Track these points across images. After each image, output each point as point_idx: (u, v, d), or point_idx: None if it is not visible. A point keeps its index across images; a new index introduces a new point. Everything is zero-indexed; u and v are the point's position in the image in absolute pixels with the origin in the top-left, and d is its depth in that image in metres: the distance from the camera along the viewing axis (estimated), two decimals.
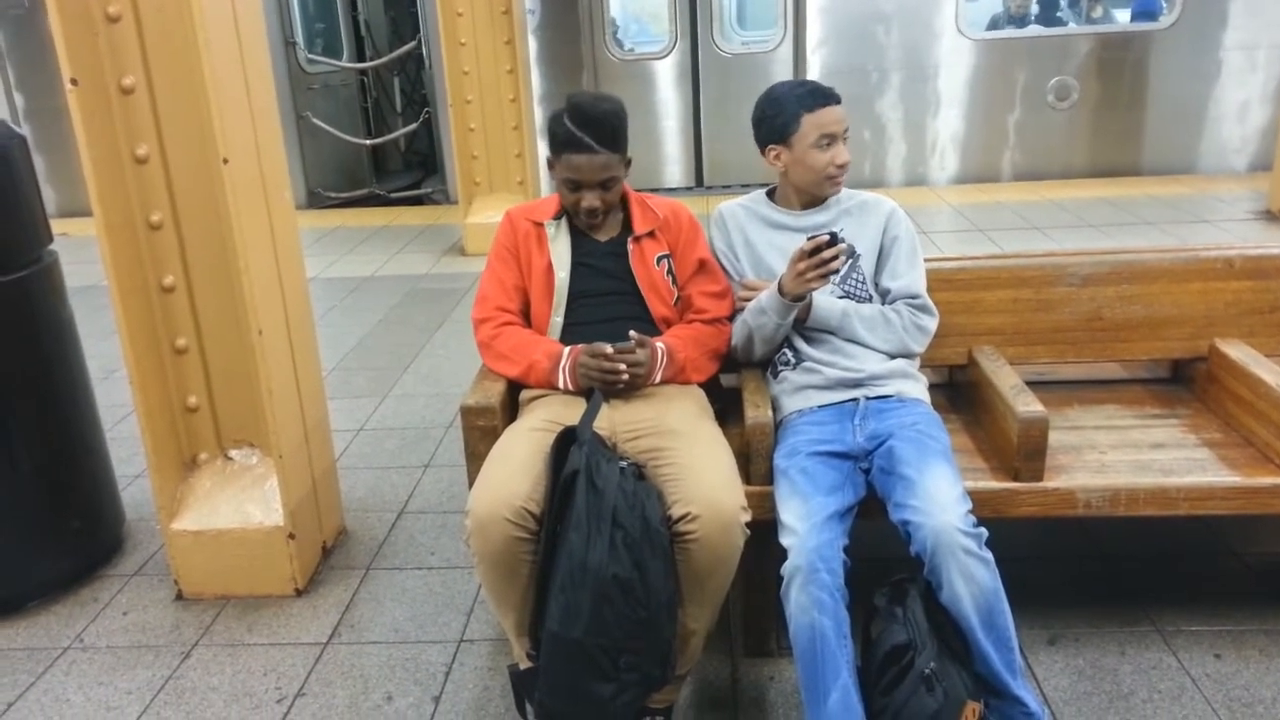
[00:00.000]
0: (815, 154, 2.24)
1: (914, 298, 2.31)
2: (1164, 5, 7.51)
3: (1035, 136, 7.72)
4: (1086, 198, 7.01)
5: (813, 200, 2.34)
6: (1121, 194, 7.04)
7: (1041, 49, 7.59)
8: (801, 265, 2.12)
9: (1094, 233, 6.10)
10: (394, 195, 8.95)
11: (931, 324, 2.32)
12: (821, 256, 2.09)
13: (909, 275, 2.31)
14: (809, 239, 2.12)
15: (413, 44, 8.92)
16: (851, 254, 2.27)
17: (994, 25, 7.94)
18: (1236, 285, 2.53)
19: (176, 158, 2.46)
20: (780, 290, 2.17)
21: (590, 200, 2.23)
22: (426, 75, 8.94)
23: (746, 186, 7.54)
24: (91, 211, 2.38)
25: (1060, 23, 8.06)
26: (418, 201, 8.82)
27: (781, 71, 7.75)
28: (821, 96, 2.24)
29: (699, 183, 8.28)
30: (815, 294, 2.24)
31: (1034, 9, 7.99)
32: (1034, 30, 7.84)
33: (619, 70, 8.03)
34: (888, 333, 2.28)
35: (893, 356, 2.27)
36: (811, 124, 2.23)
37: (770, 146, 2.30)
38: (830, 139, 2.24)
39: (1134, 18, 7.81)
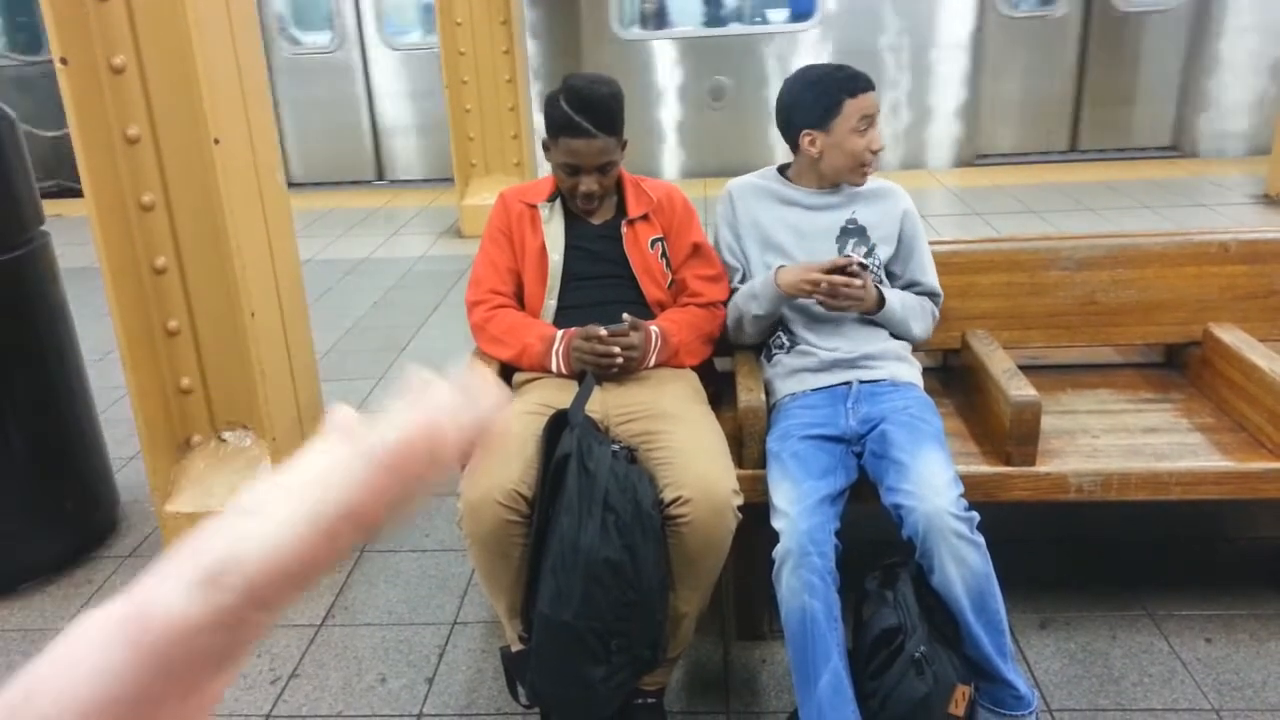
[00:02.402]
0: (854, 139, 2.23)
1: (937, 295, 2.36)
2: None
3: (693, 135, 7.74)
4: None
5: (835, 184, 2.32)
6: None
7: (698, 49, 7.56)
8: (815, 277, 2.12)
9: None
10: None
11: (939, 315, 2.39)
12: (833, 281, 2.11)
13: (932, 272, 2.36)
14: (843, 257, 2.13)
15: None
16: (863, 268, 2.25)
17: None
18: (1231, 269, 2.52)
19: (168, 138, 2.45)
20: (776, 281, 2.18)
21: (588, 184, 2.22)
22: None
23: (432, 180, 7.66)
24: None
25: (722, 23, 7.94)
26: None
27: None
28: (864, 81, 2.23)
29: (379, 176, 8.27)
30: (886, 291, 2.24)
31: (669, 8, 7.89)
32: (690, 30, 7.75)
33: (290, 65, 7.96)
34: (923, 323, 2.34)
35: (897, 338, 2.29)
36: (854, 108, 2.21)
37: (806, 131, 2.27)
38: (869, 122, 2.23)
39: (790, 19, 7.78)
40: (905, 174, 7.18)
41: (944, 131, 7.60)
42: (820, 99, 2.24)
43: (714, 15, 7.77)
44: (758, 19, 7.73)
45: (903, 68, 7.45)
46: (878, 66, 7.32)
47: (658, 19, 7.83)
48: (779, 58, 7.49)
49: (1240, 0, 7.09)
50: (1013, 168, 7.30)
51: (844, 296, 2.14)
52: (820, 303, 2.17)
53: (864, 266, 2.16)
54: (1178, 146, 7.42)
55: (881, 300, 2.21)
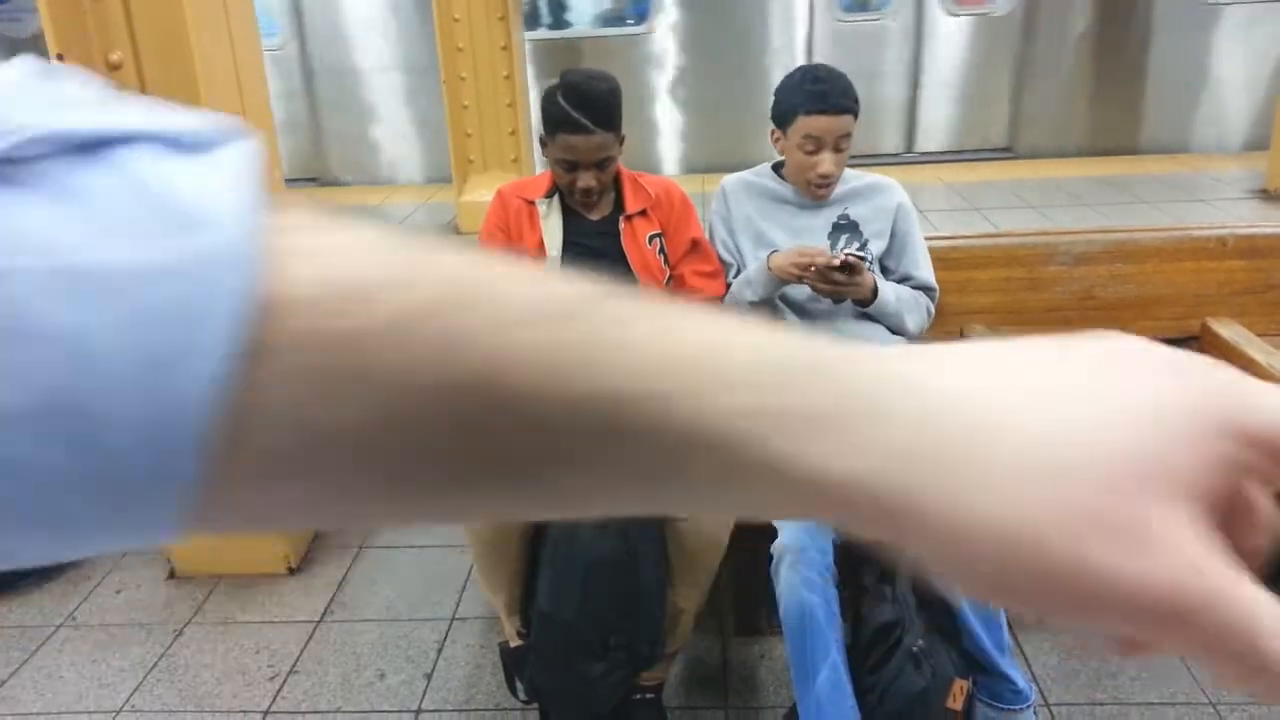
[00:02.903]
0: (799, 154, 2.20)
1: (932, 289, 2.34)
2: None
3: None
4: None
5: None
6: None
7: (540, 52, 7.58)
8: (805, 260, 2.11)
9: None
10: None
11: (934, 311, 2.38)
12: (819, 264, 2.08)
13: (927, 266, 2.34)
14: (842, 253, 2.11)
15: None
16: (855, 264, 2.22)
17: None
18: (1229, 264, 2.53)
19: None
20: (769, 265, 2.18)
21: (586, 180, 2.21)
22: None
23: None
24: None
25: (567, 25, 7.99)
26: None
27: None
28: (827, 102, 2.14)
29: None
30: (881, 282, 2.22)
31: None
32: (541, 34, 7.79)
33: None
34: (918, 315, 2.31)
35: (892, 334, 2.28)
36: (804, 125, 2.16)
37: (773, 128, 2.27)
38: (817, 144, 2.17)
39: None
40: None
41: None
42: (783, 101, 2.22)
43: (558, 18, 7.83)
44: (607, 22, 7.80)
45: (735, 73, 7.53)
46: (712, 73, 7.49)
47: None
48: (609, 61, 7.54)
49: (1070, 4, 7.25)
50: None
51: (836, 282, 2.12)
52: (813, 287, 2.15)
53: (860, 258, 2.14)
54: (1012, 149, 7.56)
55: (876, 290, 2.21)
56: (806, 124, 2.15)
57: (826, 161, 2.17)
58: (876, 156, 7.32)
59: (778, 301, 2.29)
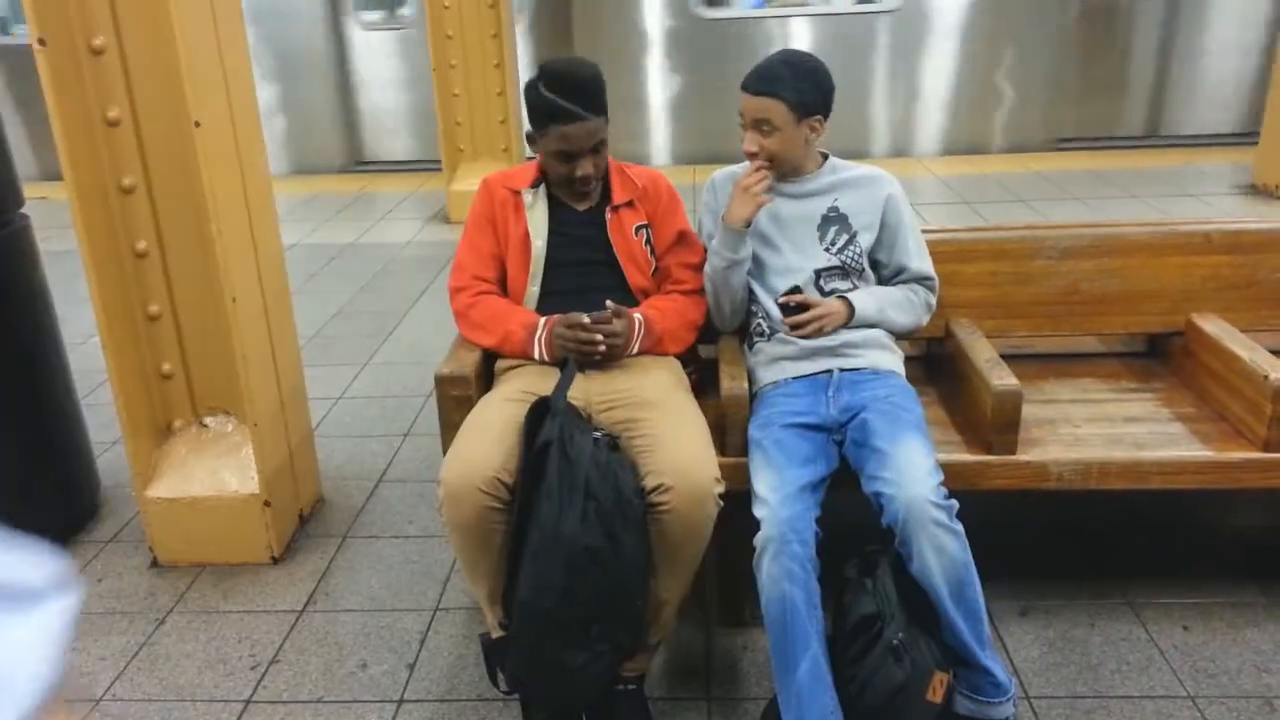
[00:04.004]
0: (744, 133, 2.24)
1: (928, 278, 2.34)
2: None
3: None
4: None
5: (794, 169, 2.31)
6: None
7: None
8: (745, 182, 2.17)
9: None
10: None
11: (935, 301, 2.38)
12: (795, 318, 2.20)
13: (920, 256, 2.33)
14: (788, 297, 2.22)
15: None
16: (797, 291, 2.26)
17: None
18: (1214, 260, 2.53)
19: (148, 121, 2.43)
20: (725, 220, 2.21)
21: (585, 168, 2.20)
22: None
23: None
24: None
25: None
26: None
27: None
28: (752, 79, 2.19)
29: None
30: (852, 295, 2.24)
31: None
32: None
33: None
34: (910, 313, 2.32)
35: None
36: (742, 104, 2.22)
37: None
38: (744, 121, 2.22)
39: None
40: None
41: None
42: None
43: None
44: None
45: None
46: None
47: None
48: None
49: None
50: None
51: (800, 324, 2.19)
52: (788, 335, 2.22)
53: (798, 290, 2.23)
54: None
55: (852, 309, 2.21)
56: (743, 104, 2.22)
57: (749, 139, 2.22)
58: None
59: (763, 325, 2.29)
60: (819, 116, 2.20)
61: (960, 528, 1.84)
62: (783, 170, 2.26)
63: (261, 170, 2.64)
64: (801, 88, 2.16)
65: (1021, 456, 2.15)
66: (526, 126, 2.25)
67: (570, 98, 2.12)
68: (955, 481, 1.97)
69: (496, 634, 1.98)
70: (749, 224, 2.19)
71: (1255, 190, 6.13)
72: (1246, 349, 2.26)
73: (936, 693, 1.79)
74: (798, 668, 1.81)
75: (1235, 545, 2.63)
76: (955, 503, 1.86)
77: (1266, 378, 2.11)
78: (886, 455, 1.92)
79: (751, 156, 2.22)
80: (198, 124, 2.35)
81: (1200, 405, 2.37)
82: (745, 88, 2.20)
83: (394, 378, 3.95)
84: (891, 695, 1.78)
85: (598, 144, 2.19)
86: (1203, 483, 2.15)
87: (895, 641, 1.79)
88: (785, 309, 2.19)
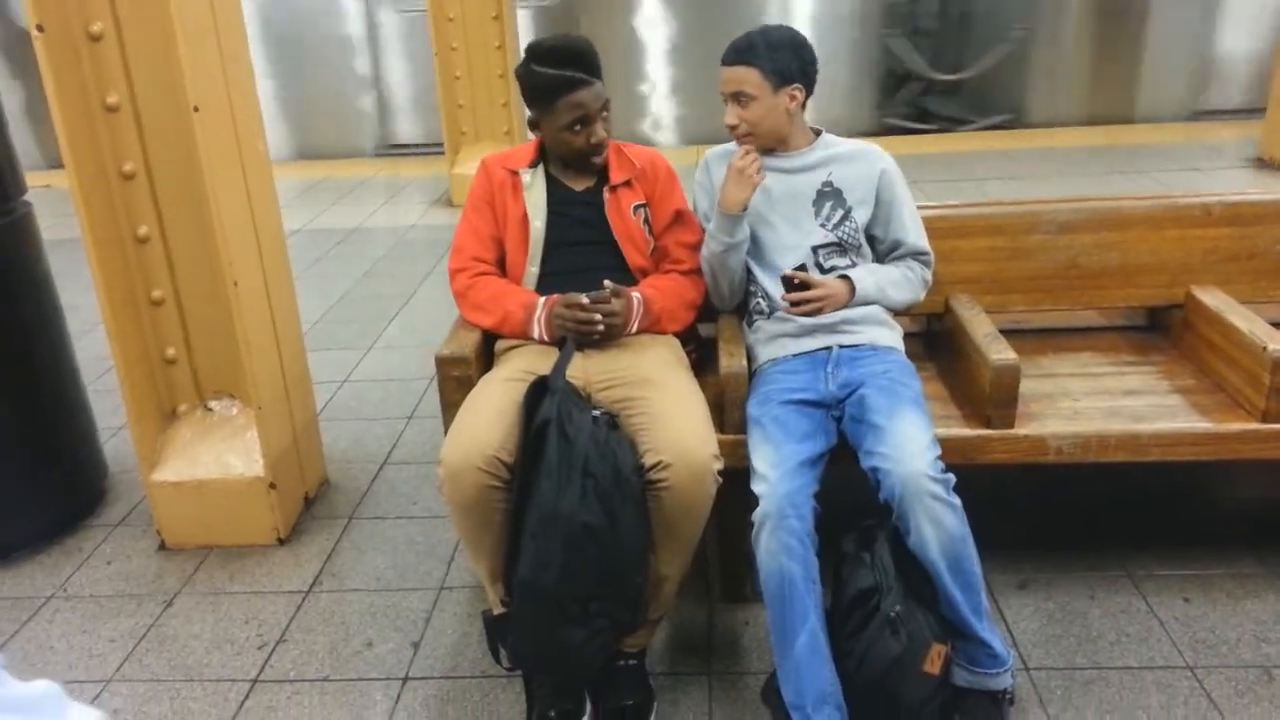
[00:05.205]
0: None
1: (924, 253, 2.34)
2: None
3: None
4: None
5: (783, 143, 2.30)
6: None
7: None
8: (739, 164, 2.16)
9: None
10: None
11: (932, 276, 2.37)
12: (799, 294, 2.18)
13: (916, 231, 2.33)
14: (794, 274, 2.20)
15: None
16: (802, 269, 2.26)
17: None
18: (1214, 232, 2.52)
19: (147, 106, 2.44)
20: (721, 206, 2.21)
21: (599, 132, 2.23)
22: None
23: None
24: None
25: None
26: None
27: None
28: (729, 52, 2.21)
29: None
30: (852, 274, 2.23)
31: None
32: None
33: None
34: (909, 289, 2.32)
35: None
36: (720, 79, 2.23)
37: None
38: (724, 98, 2.23)
39: None
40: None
41: None
42: None
43: None
44: None
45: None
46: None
47: None
48: None
49: None
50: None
51: (801, 302, 2.18)
52: (788, 313, 2.21)
53: (800, 269, 2.22)
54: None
55: (853, 289, 2.22)
56: (721, 76, 2.23)
57: (730, 112, 2.23)
58: None
59: (762, 304, 2.30)
60: (797, 85, 2.20)
61: (958, 501, 1.85)
62: (768, 144, 2.26)
63: (261, 154, 2.65)
64: (776, 56, 2.16)
65: (1020, 430, 2.16)
66: (528, 113, 2.25)
67: (572, 67, 2.14)
68: (954, 456, 1.98)
69: (498, 611, 2.00)
70: (745, 208, 2.19)
71: (1262, 164, 6.10)
72: (1246, 321, 2.26)
73: (934, 664, 1.81)
74: (796, 641, 1.82)
75: (1235, 517, 2.63)
76: (952, 476, 1.87)
77: (1265, 349, 2.11)
78: (884, 430, 1.93)
79: (733, 129, 2.22)
80: (196, 109, 2.35)
81: (1199, 378, 2.37)
82: (723, 61, 2.21)
83: (398, 361, 3.97)
84: (888, 667, 1.79)
85: (605, 104, 2.21)
86: (1201, 454, 2.16)
87: (892, 614, 1.80)
88: (788, 284, 2.19)
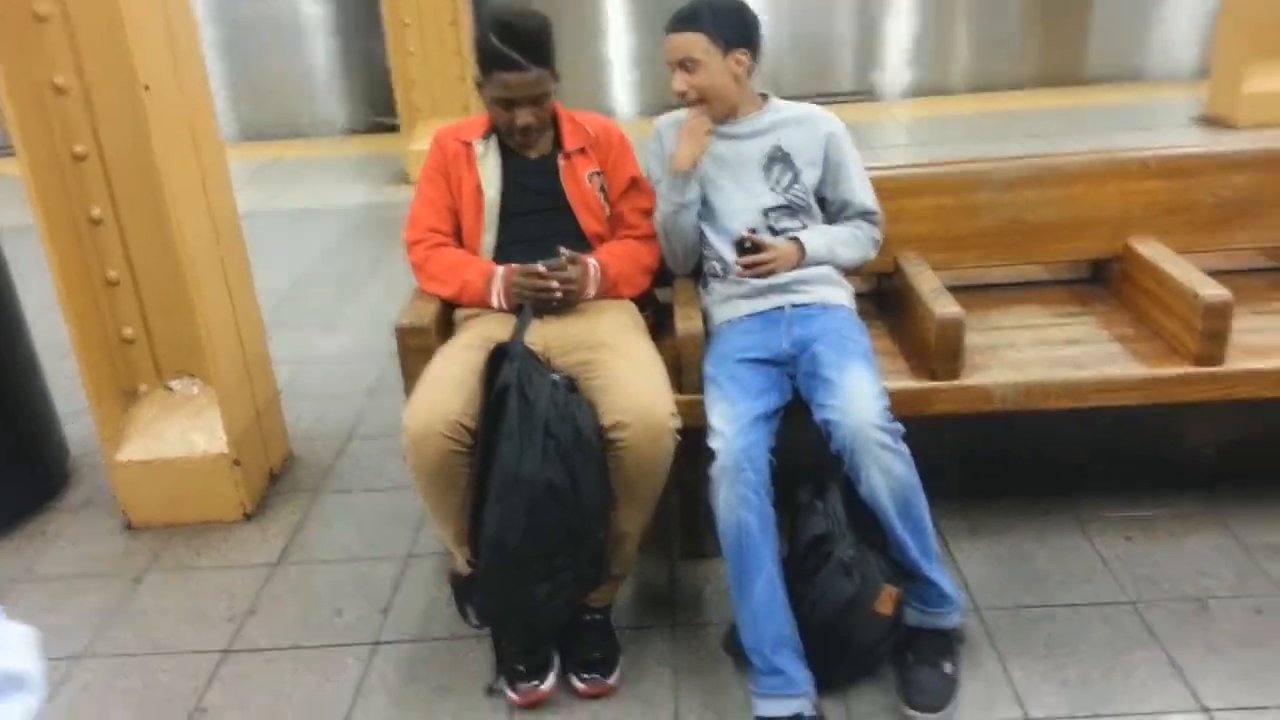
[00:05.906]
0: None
1: (872, 213, 2.38)
2: None
3: None
4: None
5: (732, 110, 2.34)
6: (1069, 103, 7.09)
7: None
8: (691, 124, 2.22)
9: None
10: None
11: (881, 235, 2.42)
12: (750, 257, 2.23)
13: (865, 191, 2.37)
14: (747, 236, 2.24)
15: None
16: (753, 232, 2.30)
17: None
18: (1152, 185, 2.60)
19: (97, 87, 2.43)
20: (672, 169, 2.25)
21: (524, 117, 2.23)
22: None
23: None
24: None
25: None
26: None
27: None
28: (673, 19, 2.24)
29: None
30: (802, 235, 2.28)
31: None
32: None
33: None
34: (858, 248, 2.37)
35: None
36: (665, 47, 2.26)
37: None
38: (672, 64, 2.26)
39: None
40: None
41: None
42: None
43: None
44: None
45: None
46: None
47: None
48: None
49: None
50: None
51: (753, 265, 2.23)
52: (741, 275, 2.25)
53: (753, 232, 2.26)
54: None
55: (803, 250, 2.27)
56: (666, 45, 2.26)
57: (678, 79, 2.25)
58: None
59: (716, 267, 2.34)
60: (744, 49, 2.23)
61: (905, 449, 1.92)
62: (719, 111, 2.29)
63: (212, 132, 2.65)
64: (721, 21, 2.20)
65: (964, 381, 2.23)
66: (476, 73, 2.27)
67: (513, 46, 2.15)
68: (903, 409, 2.04)
69: (465, 572, 2.04)
70: (695, 165, 2.23)
71: (1207, 121, 6.23)
72: (1180, 269, 2.34)
73: (886, 605, 1.88)
74: (753, 589, 1.89)
75: (1183, 464, 2.73)
76: (900, 426, 1.94)
77: (1197, 295, 2.19)
78: (834, 384, 1.99)
79: (682, 95, 2.26)
80: (147, 88, 2.35)
81: (1137, 326, 2.45)
82: (667, 29, 2.24)
83: (359, 337, 3.97)
84: (842, 608, 1.86)
85: (539, 95, 2.22)
86: (1138, 399, 2.24)
87: (845, 559, 1.87)
88: (740, 247, 2.24)
